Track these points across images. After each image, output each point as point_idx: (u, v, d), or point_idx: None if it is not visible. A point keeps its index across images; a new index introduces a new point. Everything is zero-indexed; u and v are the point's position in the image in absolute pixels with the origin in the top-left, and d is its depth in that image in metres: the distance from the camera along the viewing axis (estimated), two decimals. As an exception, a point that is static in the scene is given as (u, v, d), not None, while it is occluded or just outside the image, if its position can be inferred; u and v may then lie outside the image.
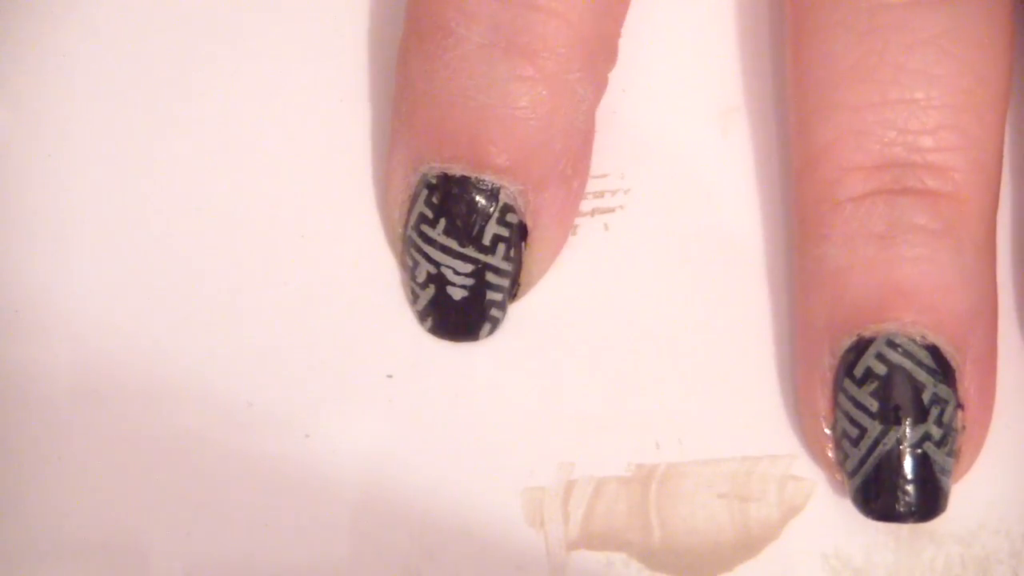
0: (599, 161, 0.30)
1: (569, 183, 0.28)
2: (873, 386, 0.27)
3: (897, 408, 0.26)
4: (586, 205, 0.30)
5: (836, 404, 0.27)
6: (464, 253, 0.27)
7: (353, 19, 0.31)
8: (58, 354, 0.29)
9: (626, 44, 0.30)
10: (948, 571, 0.28)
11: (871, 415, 0.27)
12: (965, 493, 0.28)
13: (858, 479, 0.27)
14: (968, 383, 0.27)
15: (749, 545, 0.29)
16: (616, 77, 0.30)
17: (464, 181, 0.27)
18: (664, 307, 0.29)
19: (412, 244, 0.28)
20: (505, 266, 0.28)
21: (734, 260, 0.29)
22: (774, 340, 0.29)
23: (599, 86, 0.28)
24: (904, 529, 0.28)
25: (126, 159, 0.30)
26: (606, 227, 0.30)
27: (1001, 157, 0.27)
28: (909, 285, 0.26)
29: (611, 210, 0.30)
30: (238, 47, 0.30)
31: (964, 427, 0.27)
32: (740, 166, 0.30)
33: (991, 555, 0.28)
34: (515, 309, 0.29)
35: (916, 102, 0.26)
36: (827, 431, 0.27)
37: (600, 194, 0.30)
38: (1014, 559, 0.28)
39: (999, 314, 0.28)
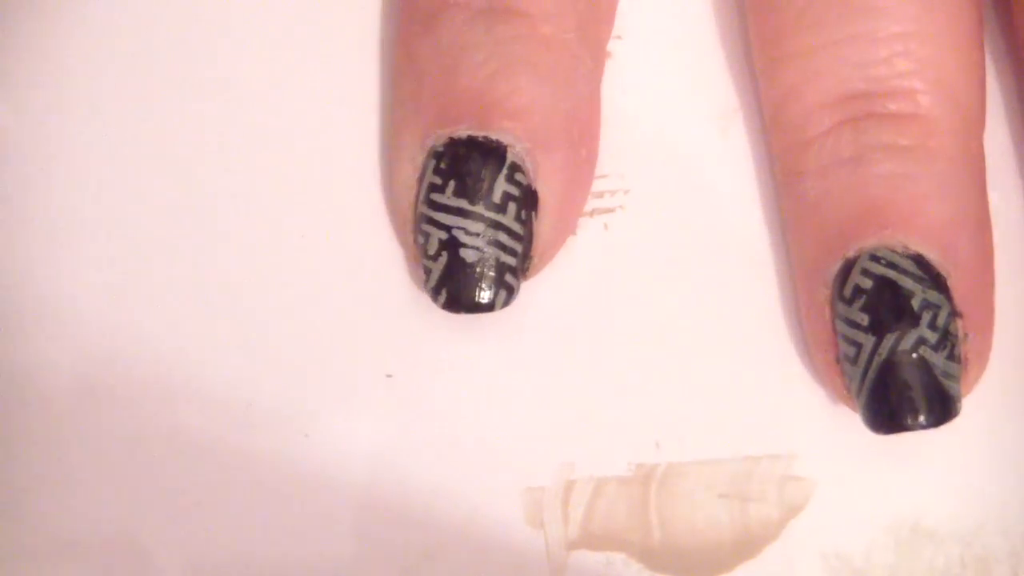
0: (599, 161, 0.30)
1: (577, 149, 0.28)
2: (862, 301, 0.27)
3: (887, 317, 0.27)
4: (586, 205, 0.30)
5: (836, 332, 0.27)
6: (475, 211, 0.27)
7: (353, 18, 0.31)
8: (58, 354, 0.29)
9: (626, 44, 0.30)
10: (948, 571, 0.28)
11: (864, 330, 0.27)
12: (965, 493, 0.29)
13: (863, 397, 0.27)
14: (962, 289, 0.27)
15: (749, 545, 0.29)
16: (616, 78, 0.30)
17: (471, 141, 0.27)
18: (664, 307, 0.29)
19: (423, 218, 0.28)
20: (517, 228, 0.27)
21: (734, 260, 0.29)
22: (775, 340, 0.29)
23: (596, 51, 0.29)
24: (904, 529, 0.28)
25: (126, 159, 0.30)
26: (606, 227, 0.30)
27: (971, 80, 0.28)
28: (884, 200, 0.27)
29: (611, 210, 0.30)
30: (238, 47, 0.30)
31: (966, 335, 0.27)
32: (740, 166, 0.30)
33: (991, 555, 0.28)
34: (515, 309, 0.29)
35: (865, 36, 0.27)
36: (835, 362, 0.28)
37: (600, 194, 0.30)
38: (1014, 559, 0.28)
39: (1004, 312, 0.28)
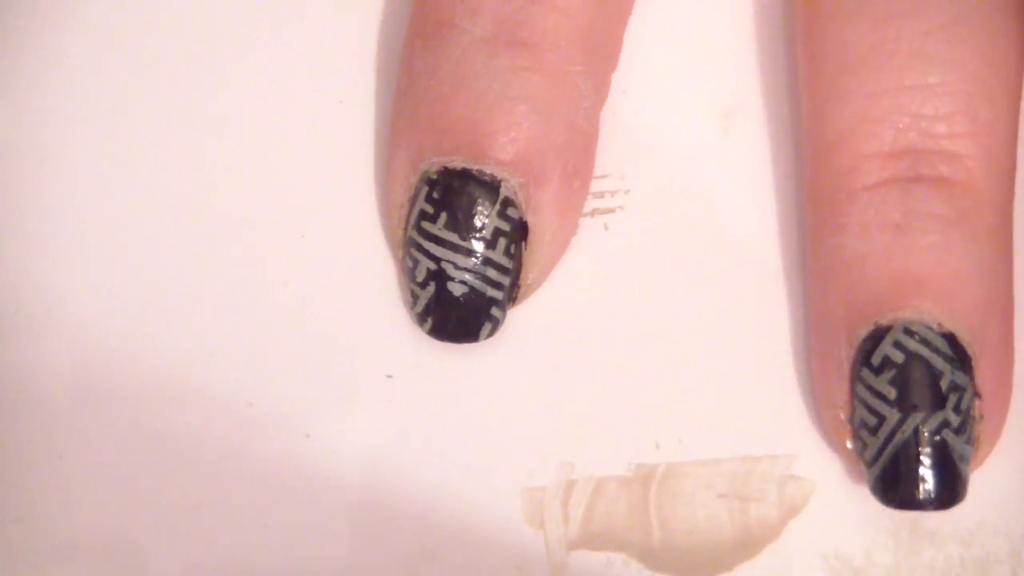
0: (599, 161, 0.30)
1: (570, 182, 0.28)
2: (891, 374, 0.27)
3: (915, 396, 0.26)
4: (586, 205, 0.30)
5: (854, 393, 0.27)
6: (465, 247, 0.27)
7: (354, 19, 0.31)
8: (58, 354, 0.29)
9: (626, 45, 0.30)
10: (948, 571, 0.28)
11: (889, 403, 0.27)
12: (965, 493, 0.29)
13: (877, 468, 0.27)
14: (985, 372, 0.27)
15: (749, 545, 0.29)
16: (616, 78, 0.30)
17: (465, 174, 0.27)
18: (664, 307, 0.29)
19: (412, 244, 0.28)
20: (506, 262, 0.28)
21: (734, 260, 0.29)
22: (774, 340, 0.29)
23: (600, 85, 0.28)
24: (904, 529, 0.28)
25: (126, 159, 0.30)
26: (606, 227, 0.30)
27: (1014, 147, 0.27)
28: (926, 273, 0.26)
29: (611, 210, 0.30)
30: (239, 47, 0.30)
31: (982, 416, 0.27)
32: (740, 166, 0.30)
33: (991, 555, 0.28)
34: (515, 308, 0.29)
35: (931, 88, 0.26)
36: (845, 421, 0.27)
37: (600, 194, 0.30)
38: (1014, 559, 0.28)
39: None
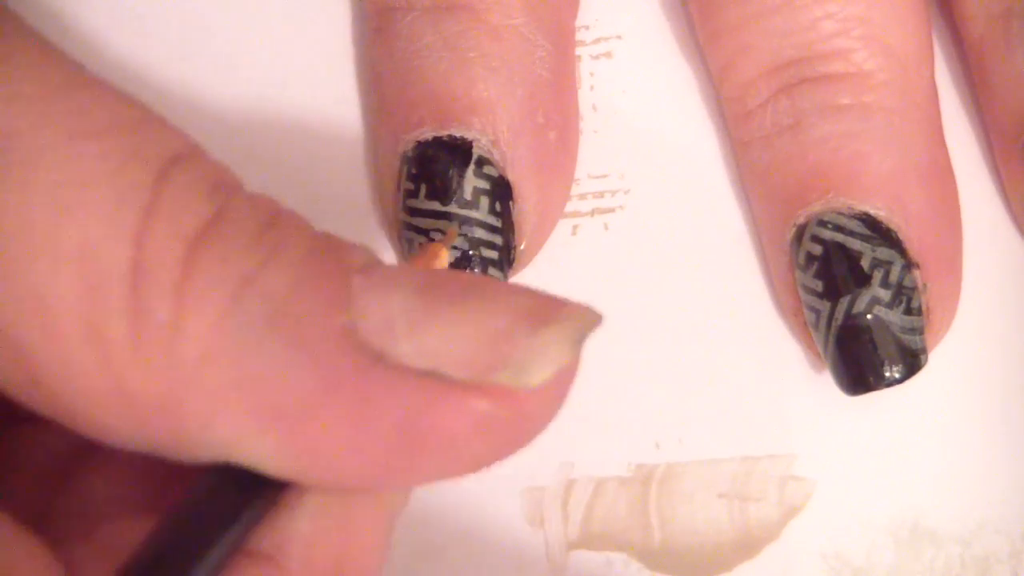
0: (599, 161, 0.30)
1: (543, 134, 0.28)
2: (815, 268, 0.27)
3: (839, 281, 0.27)
4: (586, 205, 0.30)
5: (799, 296, 0.28)
6: (448, 211, 0.27)
7: (352, 20, 0.31)
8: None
9: (626, 44, 0.30)
10: (948, 571, 0.28)
11: (819, 296, 0.27)
12: (965, 493, 0.29)
13: (828, 361, 0.27)
14: (917, 240, 0.27)
15: (749, 545, 0.29)
16: (616, 77, 0.30)
17: (436, 141, 0.27)
18: (664, 307, 0.29)
19: (405, 226, 0.28)
20: (493, 221, 0.27)
21: (734, 260, 0.29)
22: (774, 339, 0.29)
23: (555, 35, 0.29)
24: (904, 529, 0.28)
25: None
26: (606, 227, 0.30)
27: (905, 24, 0.28)
28: (826, 163, 0.27)
29: (611, 210, 0.30)
30: (237, 47, 0.30)
31: (925, 285, 0.27)
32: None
33: (991, 555, 0.28)
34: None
35: (788, 4, 0.27)
36: (806, 327, 0.28)
37: (600, 194, 0.30)
38: (1014, 559, 0.28)
39: (1002, 312, 0.28)
